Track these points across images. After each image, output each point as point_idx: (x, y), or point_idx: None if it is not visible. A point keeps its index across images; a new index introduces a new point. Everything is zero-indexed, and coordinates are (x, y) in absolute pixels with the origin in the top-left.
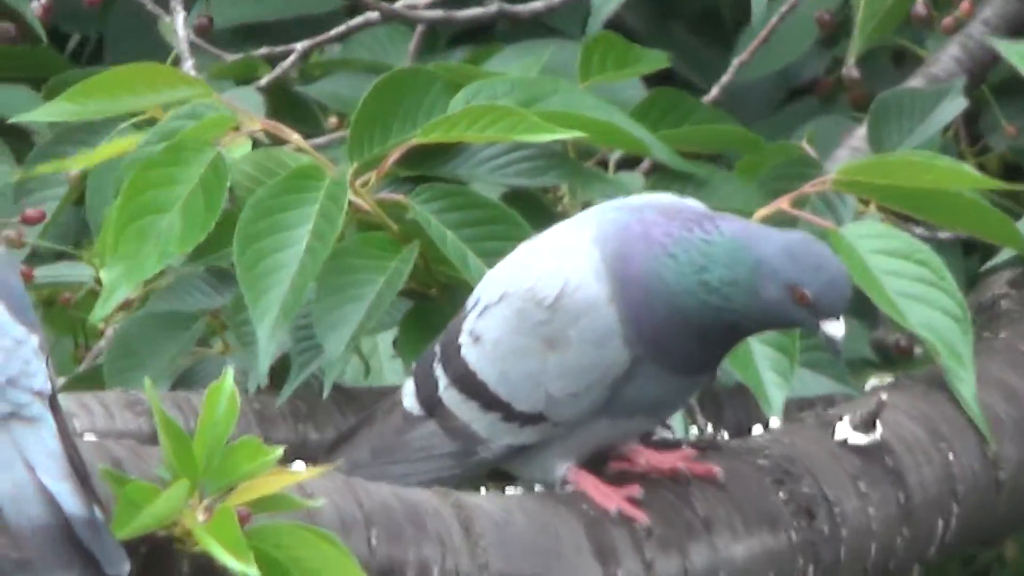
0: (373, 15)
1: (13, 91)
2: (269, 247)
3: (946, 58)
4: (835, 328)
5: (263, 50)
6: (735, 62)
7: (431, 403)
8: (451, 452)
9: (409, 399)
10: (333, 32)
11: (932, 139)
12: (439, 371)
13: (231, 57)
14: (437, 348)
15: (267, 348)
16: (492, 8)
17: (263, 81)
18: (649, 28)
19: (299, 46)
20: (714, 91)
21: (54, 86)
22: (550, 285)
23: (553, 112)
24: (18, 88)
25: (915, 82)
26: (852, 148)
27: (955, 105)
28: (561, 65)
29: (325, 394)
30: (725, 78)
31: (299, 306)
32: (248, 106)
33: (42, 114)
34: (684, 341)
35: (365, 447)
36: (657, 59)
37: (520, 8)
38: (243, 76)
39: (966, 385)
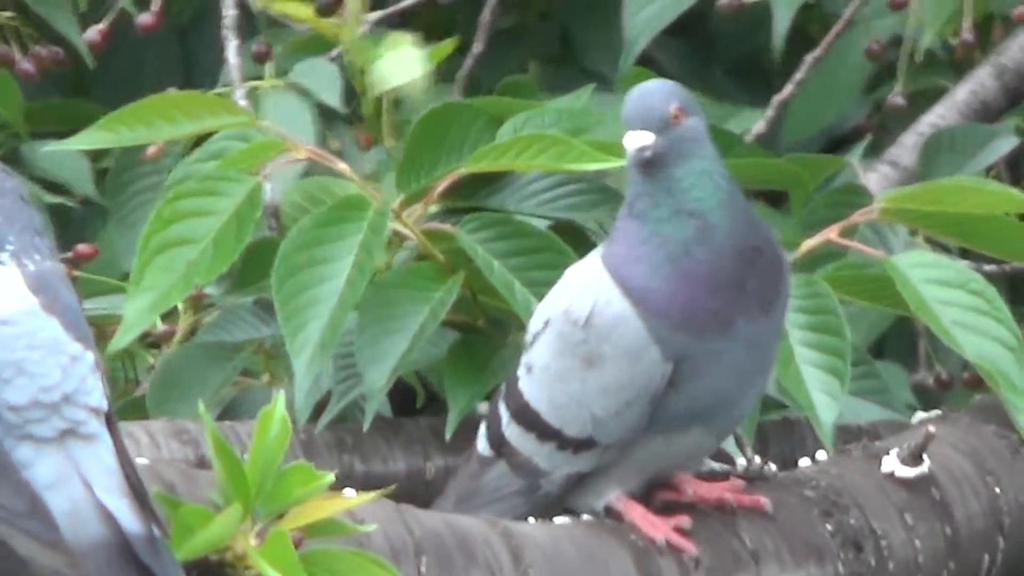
0: None
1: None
2: (308, 280)
3: (1015, 47)
4: (629, 139)
5: (334, 19)
6: (789, 87)
7: (498, 442)
8: (519, 489)
9: (482, 441)
10: (404, 3)
11: (980, 175)
12: (502, 408)
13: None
14: (503, 386)
15: (305, 382)
16: None
17: (334, 52)
18: (687, 73)
19: (370, 17)
20: (769, 111)
21: None
22: (582, 304)
23: (602, 141)
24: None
25: (983, 72)
26: (891, 162)
27: (1006, 142)
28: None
29: (365, 426)
30: (777, 98)
31: (337, 339)
32: (322, 79)
33: (76, 142)
34: (704, 273)
35: (452, 495)
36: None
37: None
38: (317, 48)
39: None
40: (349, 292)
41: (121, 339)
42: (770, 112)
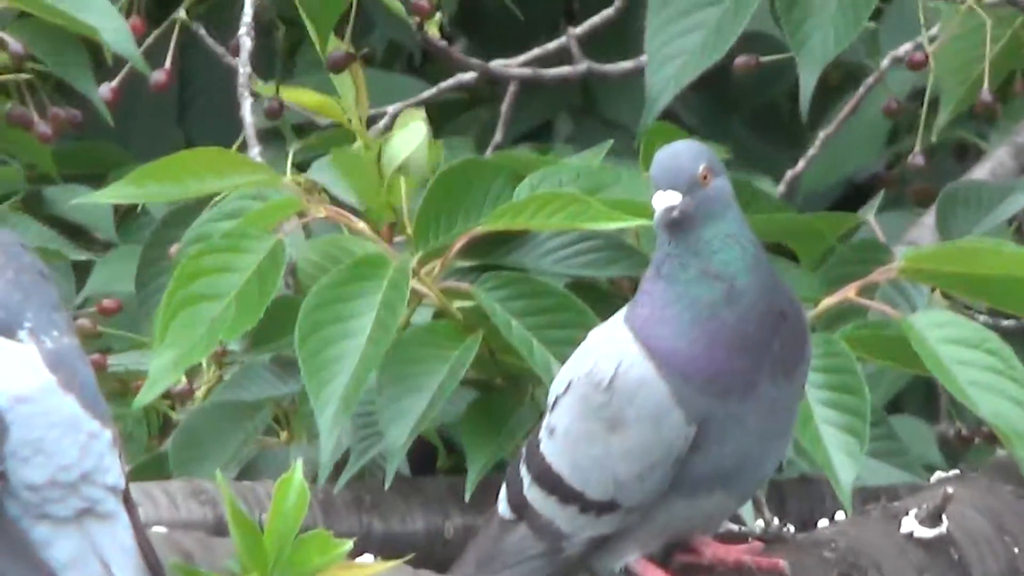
0: (465, 76)
1: (74, 190)
2: (331, 337)
3: None
4: (658, 199)
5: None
6: (802, 163)
7: (519, 504)
8: (540, 552)
9: (502, 504)
10: (425, 94)
11: (999, 229)
12: (523, 470)
13: (322, 122)
14: (523, 448)
15: (329, 439)
16: (581, 67)
17: (355, 146)
18: (707, 125)
19: (390, 108)
20: (780, 187)
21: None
22: (605, 367)
23: (619, 200)
24: (78, 188)
25: (1002, 151)
26: (910, 242)
27: (1022, 198)
28: (621, 159)
29: (387, 484)
30: (790, 173)
31: (360, 397)
32: (335, 174)
33: (102, 197)
34: (727, 334)
35: (472, 559)
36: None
37: (609, 68)
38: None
39: None
40: (372, 349)
41: (145, 396)
42: (781, 188)
